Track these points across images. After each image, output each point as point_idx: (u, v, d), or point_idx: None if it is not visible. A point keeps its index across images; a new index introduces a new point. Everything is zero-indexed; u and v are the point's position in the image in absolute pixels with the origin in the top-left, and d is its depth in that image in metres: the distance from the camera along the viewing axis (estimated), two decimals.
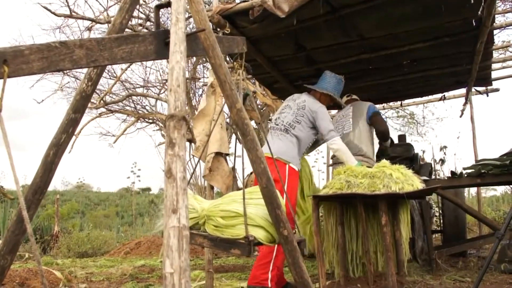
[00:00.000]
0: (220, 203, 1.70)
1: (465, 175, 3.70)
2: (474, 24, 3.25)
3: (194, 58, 7.73)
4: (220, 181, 3.34)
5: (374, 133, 3.81)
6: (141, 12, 7.81)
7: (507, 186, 9.56)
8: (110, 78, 8.93)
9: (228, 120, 6.85)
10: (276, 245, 2.54)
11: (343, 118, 3.89)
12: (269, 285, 2.83)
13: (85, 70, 1.43)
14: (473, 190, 9.36)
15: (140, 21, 7.86)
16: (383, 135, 3.73)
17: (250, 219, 1.55)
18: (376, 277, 2.97)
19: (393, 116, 10.99)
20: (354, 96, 4.12)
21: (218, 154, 3.33)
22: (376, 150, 3.90)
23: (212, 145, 3.27)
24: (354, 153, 3.65)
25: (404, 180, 2.81)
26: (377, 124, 3.71)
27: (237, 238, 1.55)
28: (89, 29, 8.07)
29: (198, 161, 2.60)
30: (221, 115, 3.49)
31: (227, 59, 4.02)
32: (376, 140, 4.01)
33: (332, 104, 3.66)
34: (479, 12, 2.95)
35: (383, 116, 9.22)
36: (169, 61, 1.01)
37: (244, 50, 1.59)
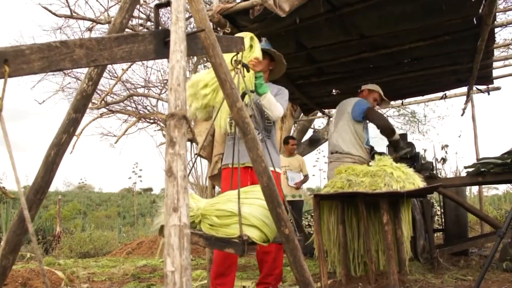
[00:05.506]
0: (216, 202, 1.70)
1: (466, 174, 3.70)
2: (475, 22, 3.24)
3: (195, 57, 7.73)
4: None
5: (361, 130, 3.67)
6: (142, 12, 7.81)
7: (509, 185, 9.55)
8: (111, 79, 8.93)
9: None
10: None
11: (334, 119, 3.90)
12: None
13: (85, 70, 1.43)
14: (475, 188, 9.36)
15: (140, 21, 7.87)
16: (383, 129, 3.58)
17: (244, 218, 1.55)
18: (377, 275, 2.97)
19: (394, 115, 10.98)
20: (364, 87, 3.91)
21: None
22: (366, 146, 3.74)
23: (220, 146, 3.25)
24: (333, 151, 3.68)
25: (405, 178, 2.82)
26: (373, 120, 3.60)
27: (231, 238, 1.55)
28: (89, 29, 8.08)
29: (195, 159, 2.58)
30: None
31: None
32: (373, 139, 3.99)
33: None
34: (480, 10, 2.95)
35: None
36: (169, 60, 1.01)
37: (242, 50, 1.58)
